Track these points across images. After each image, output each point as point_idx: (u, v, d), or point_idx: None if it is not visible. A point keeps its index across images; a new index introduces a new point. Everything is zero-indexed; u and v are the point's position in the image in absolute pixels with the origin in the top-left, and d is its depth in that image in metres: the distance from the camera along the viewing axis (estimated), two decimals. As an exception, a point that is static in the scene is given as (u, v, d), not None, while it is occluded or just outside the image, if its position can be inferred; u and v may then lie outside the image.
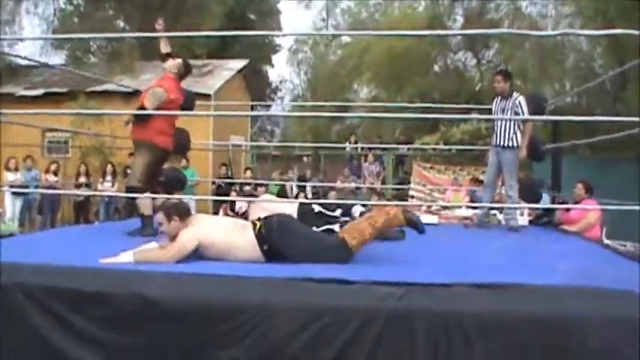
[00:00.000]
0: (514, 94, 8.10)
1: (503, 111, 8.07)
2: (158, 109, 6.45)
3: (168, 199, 6.07)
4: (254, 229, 4.84)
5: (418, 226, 5.05)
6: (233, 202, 12.07)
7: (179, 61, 7.18)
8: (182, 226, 4.84)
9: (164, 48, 7.18)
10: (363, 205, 7.42)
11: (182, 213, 4.90)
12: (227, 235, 4.80)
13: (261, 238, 4.78)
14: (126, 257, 4.62)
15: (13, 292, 3.96)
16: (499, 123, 8.13)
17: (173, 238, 4.86)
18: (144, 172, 6.57)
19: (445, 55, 27.28)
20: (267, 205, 7.12)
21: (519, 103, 7.95)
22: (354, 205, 7.52)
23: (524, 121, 7.98)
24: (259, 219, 4.97)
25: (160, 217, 4.97)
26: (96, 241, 6.21)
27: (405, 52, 24.55)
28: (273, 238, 4.77)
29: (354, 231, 4.89)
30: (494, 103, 8.31)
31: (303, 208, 6.72)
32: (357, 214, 7.33)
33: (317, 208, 6.77)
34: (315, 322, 3.62)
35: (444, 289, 3.76)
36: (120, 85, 14.24)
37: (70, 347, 3.86)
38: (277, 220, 4.94)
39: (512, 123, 7.97)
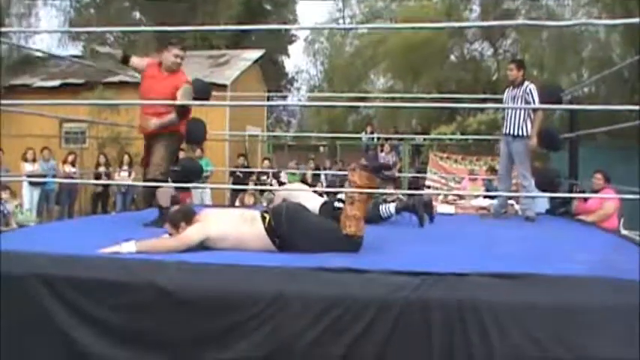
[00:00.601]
0: (525, 82, 8.09)
1: (513, 99, 8.07)
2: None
3: (185, 189, 6.11)
4: (263, 221, 4.81)
5: (389, 168, 4.98)
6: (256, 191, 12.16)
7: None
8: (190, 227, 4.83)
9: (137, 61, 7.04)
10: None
11: (187, 217, 4.88)
12: (236, 229, 4.78)
13: (271, 231, 4.77)
14: (128, 247, 4.56)
15: (30, 282, 3.99)
16: (509, 112, 8.13)
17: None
18: (169, 162, 6.65)
19: (461, 45, 27.15)
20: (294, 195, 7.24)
21: (530, 90, 7.94)
22: None
23: (535, 110, 7.96)
24: (266, 211, 4.95)
25: (168, 228, 4.96)
26: (112, 231, 6.23)
27: (421, 43, 24.42)
28: (283, 230, 4.75)
29: (344, 219, 4.87)
30: (506, 92, 8.32)
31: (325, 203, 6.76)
32: None
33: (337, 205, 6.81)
34: (329, 312, 3.62)
35: (460, 278, 3.74)
36: (133, 77, 14.26)
37: (86, 336, 3.88)
38: (286, 210, 4.89)
39: (522, 112, 7.96)
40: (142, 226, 6.42)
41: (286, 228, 4.75)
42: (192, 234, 4.72)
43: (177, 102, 6.34)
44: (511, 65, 8.36)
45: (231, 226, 4.81)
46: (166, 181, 6.55)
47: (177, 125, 6.66)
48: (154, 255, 4.38)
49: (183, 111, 6.52)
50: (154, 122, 6.59)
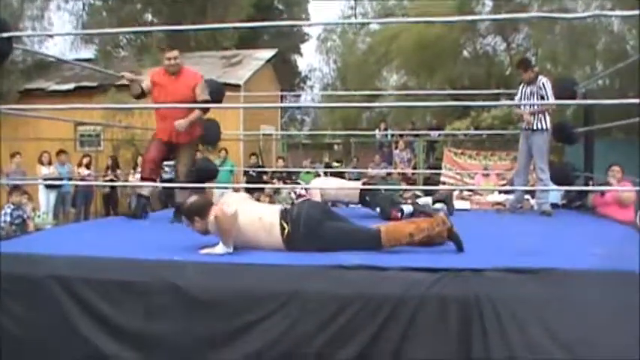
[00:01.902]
0: (539, 77, 8.14)
1: (528, 96, 8.11)
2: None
3: (202, 189, 6.15)
4: (282, 233, 4.71)
5: (460, 244, 4.89)
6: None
7: None
8: (204, 224, 4.78)
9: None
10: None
11: (201, 211, 4.79)
12: (254, 234, 4.74)
13: (288, 243, 4.69)
14: (219, 248, 4.64)
15: (47, 284, 4.01)
16: (527, 107, 8.15)
17: (204, 233, 4.84)
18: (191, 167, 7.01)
19: (474, 40, 27.05)
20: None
21: (543, 84, 8.03)
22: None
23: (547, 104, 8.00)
24: (285, 217, 4.79)
25: (184, 221, 4.97)
26: (129, 232, 6.26)
27: (433, 39, 24.35)
28: (301, 243, 4.66)
29: (393, 231, 4.82)
30: (520, 89, 8.34)
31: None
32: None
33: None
34: (347, 309, 3.63)
35: (477, 274, 3.74)
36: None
37: (103, 336, 3.91)
38: (304, 221, 4.76)
39: (538, 106, 8.01)
40: (157, 224, 6.54)
41: (304, 240, 4.67)
42: (228, 205, 4.71)
43: (190, 105, 6.48)
44: (519, 70, 8.48)
45: (249, 229, 4.75)
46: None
47: (197, 129, 6.83)
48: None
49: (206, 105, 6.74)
50: (180, 123, 6.73)
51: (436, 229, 4.77)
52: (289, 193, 12.46)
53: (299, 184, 11.93)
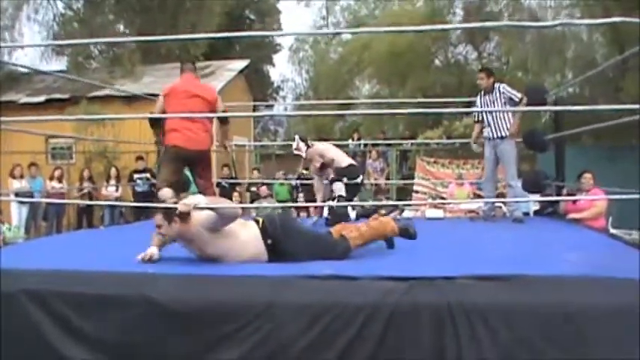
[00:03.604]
0: (495, 85, 8.28)
1: (489, 104, 8.18)
2: None
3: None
4: (257, 223, 4.81)
5: (411, 234, 5.05)
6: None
7: None
8: (183, 226, 4.65)
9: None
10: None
11: (184, 215, 4.65)
12: (233, 228, 4.70)
13: (264, 232, 4.75)
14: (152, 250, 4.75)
15: (19, 299, 3.98)
16: (491, 116, 8.19)
17: (172, 240, 4.83)
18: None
19: (446, 49, 27.23)
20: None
21: (504, 89, 8.20)
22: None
23: (517, 103, 8.05)
24: (257, 217, 4.93)
25: (159, 218, 4.74)
26: (104, 245, 6.24)
27: (405, 48, 24.47)
28: (277, 233, 4.75)
29: (355, 230, 4.92)
30: (478, 98, 8.44)
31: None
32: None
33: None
34: (320, 319, 3.63)
35: (449, 282, 3.76)
36: (121, 90, 14.29)
37: (77, 351, 3.88)
38: (279, 217, 4.95)
39: (504, 113, 8.05)
40: (130, 236, 6.52)
41: (280, 232, 4.76)
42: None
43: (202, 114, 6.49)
44: (481, 74, 8.55)
45: (231, 238, 4.73)
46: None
47: (165, 138, 6.82)
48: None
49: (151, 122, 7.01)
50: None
51: (383, 220, 5.16)
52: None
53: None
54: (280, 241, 4.74)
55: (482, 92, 8.35)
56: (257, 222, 4.85)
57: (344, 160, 7.98)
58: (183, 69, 7.32)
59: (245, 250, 4.71)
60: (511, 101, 8.07)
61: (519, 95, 8.06)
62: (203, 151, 7.06)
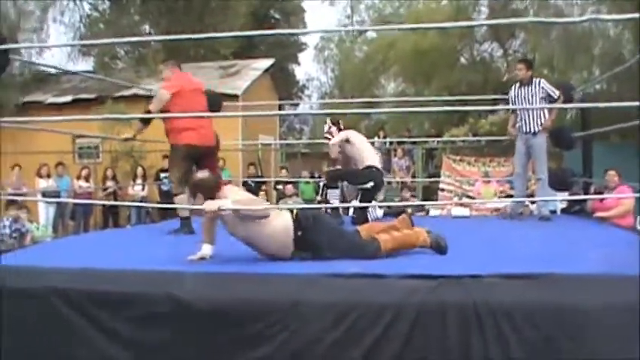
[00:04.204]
0: (534, 79, 8.11)
1: (525, 98, 8.07)
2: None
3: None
4: (291, 213, 4.84)
5: (442, 248, 4.99)
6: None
7: None
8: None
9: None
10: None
11: (206, 190, 4.72)
12: (264, 212, 4.71)
13: (297, 224, 4.75)
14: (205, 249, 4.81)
15: (47, 296, 4.00)
16: (525, 110, 8.11)
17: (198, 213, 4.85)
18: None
19: (471, 46, 27.09)
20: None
21: (544, 84, 8.04)
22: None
23: (554, 101, 7.96)
24: (297, 221, 4.85)
25: (187, 192, 4.94)
26: (130, 244, 6.27)
27: (431, 46, 24.38)
28: (308, 227, 4.76)
29: (385, 232, 4.91)
30: (513, 90, 8.32)
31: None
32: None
33: None
34: (346, 318, 3.62)
35: (475, 280, 3.73)
36: (146, 90, 14.31)
37: (102, 348, 3.90)
38: (312, 213, 4.96)
39: (540, 108, 7.97)
40: (157, 235, 6.54)
41: (312, 226, 4.77)
42: (225, 195, 4.69)
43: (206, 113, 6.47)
44: (520, 65, 8.38)
45: (262, 208, 4.78)
46: (181, 192, 6.64)
47: (173, 136, 6.83)
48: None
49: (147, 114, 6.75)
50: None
51: (415, 229, 5.12)
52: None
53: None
54: (310, 235, 4.75)
55: (519, 84, 8.25)
56: (291, 212, 4.86)
57: (366, 159, 7.67)
58: (179, 66, 7.33)
59: (274, 239, 4.72)
60: (549, 97, 7.98)
61: (557, 92, 7.98)
62: (213, 147, 7.14)
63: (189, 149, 6.83)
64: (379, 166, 7.83)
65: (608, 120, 8.03)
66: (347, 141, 7.68)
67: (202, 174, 4.97)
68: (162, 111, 6.62)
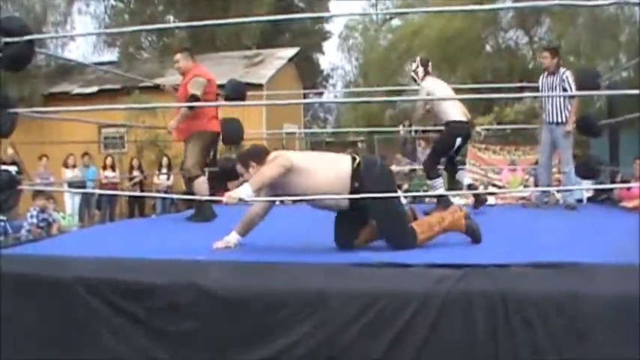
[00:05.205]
0: (561, 69, 8.03)
1: (551, 87, 8.01)
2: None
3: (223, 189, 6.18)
4: (352, 162, 4.61)
5: (476, 236, 4.90)
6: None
7: None
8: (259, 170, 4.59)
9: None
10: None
11: (257, 156, 4.68)
12: (316, 165, 4.60)
13: (355, 173, 4.55)
14: (232, 237, 4.81)
15: (73, 286, 4.03)
16: (549, 100, 8.05)
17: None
18: (202, 160, 7.13)
19: (496, 34, 26.94)
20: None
21: (566, 77, 7.90)
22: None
23: (573, 97, 7.90)
24: (358, 172, 4.60)
25: (239, 169, 4.78)
26: (156, 233, 6.29)
27: (455, 34, 24.29)
28: (369, 180, 4.55)
29: (424, 224, 4.83)
30: (541, 79, 8.26)
31: None
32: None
33: None
34: (372, 307, 3.61)
35: (502, 269, 3.71)
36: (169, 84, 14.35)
37: (128, 338, 3.92)
38: (381, 163, 4.86)
39: (562, 99, 7.89)
40: (182, 224, 6.59)
41: (374, 180, 4.56)
42: (282, 159, 4.52)
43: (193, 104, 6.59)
44: (545, 53, 8.32)
45: (314, 161, 4.69)
46: (199, 174, 6.88)
47: (201, 122, 6.92)
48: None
49: (192, 101, 6.70)
50: (170, 124, 7.13)
51: (455, 215, 4.90)
52: None
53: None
54: (368, 185, 4.53)
55: (546, 73, 8.19)
56: (354, 159, 4.65)
57: (447, 115, 7.45)
58: (193, 57, 7.39)
59: (328, 188, 4.55)
60: (565, 92, 7.91)
61: (573, 88, 7.89)
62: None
63: (214, 136, 7.21)
64: (463, 118, 7.53)
65: (636, 108, 7.93)
66: (428, 94, 7.54)
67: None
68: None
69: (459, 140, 7.44)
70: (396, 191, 4.96)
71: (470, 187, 7.75)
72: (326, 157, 4.92)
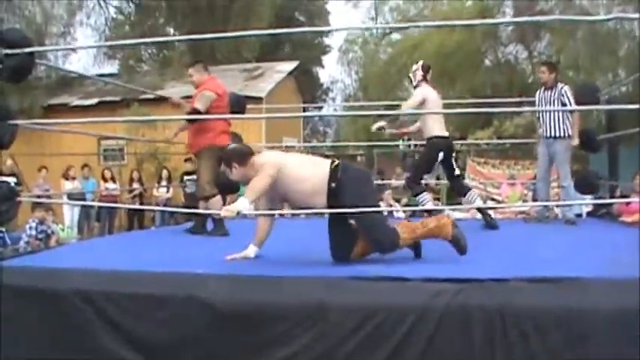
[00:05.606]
0: (558, 84, 8.04)
1: (548, 102, 8.02)
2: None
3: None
4: (331, 165, 4.72)
5: (460, 246, 4.88)
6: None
7: None
8: (247, 169, 4.73)
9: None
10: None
11: (239, 157, 4.78)
12: (298, 169, 4.70)
13: (332, 174, 4.65)
14: (250, 250, 4.88)
15: (71, 298, 4.03)
16: (547, 114, 8.05)
17: (245, 183, 4.80)
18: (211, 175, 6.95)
19: (496, 48, 26.97)
20: None
21: (564, 92, 7.90)
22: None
23: (573, 111, 7.91)
24: (335, 175, 4.71)
25: (222, 167, 5.03)
26: (154, 245, 6.29)
27: (455, 48, 24.31)
28: (344, 182, 4.64)
29: (406, 226, 4.84)
30: (538, 93, 8.28)
31: None
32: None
33: None
34: (370, 320, 3.62)
35: (500, 284, 3.72)
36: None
37: (126, 351, 3.91)
38: (358, 170, 5.00)
39: (560, 113, 7.90)
40: (181, 237, 6.60)
41: (349, 181, 4.67)
42: (269, 167, 4.61)
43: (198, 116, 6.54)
44: (542, 68, 8.33)
45: (298, 161, 4.83)
46: (215, 193, 6.80)
47: (210, 137, 6.84)
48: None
49: (193, 114, 6.73)
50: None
51: (442, 221, 4.89)
52: None
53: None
54: (342, 191, 4.63)
55: (543, 88, 8.20)
56: (332, 162, 4.76)
57: (432, 129, 7.57)
58: (207, 69, 7.37)
59: (309, 187, 4.69)
60: (564, 106, 7.91)
61: (572, 103, 7.89)
62: None
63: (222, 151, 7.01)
64: (445, 134, 7.67)
65: (636, 123, 7.94)
66: (422, 104, 7.52)
67: (233, 145, 5.03)
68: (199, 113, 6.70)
69: (441, 155, 7.48)
70: (374, 192, 5.16)
71: (480, 210, 7.70)
72: (308, 158, 5.10)
